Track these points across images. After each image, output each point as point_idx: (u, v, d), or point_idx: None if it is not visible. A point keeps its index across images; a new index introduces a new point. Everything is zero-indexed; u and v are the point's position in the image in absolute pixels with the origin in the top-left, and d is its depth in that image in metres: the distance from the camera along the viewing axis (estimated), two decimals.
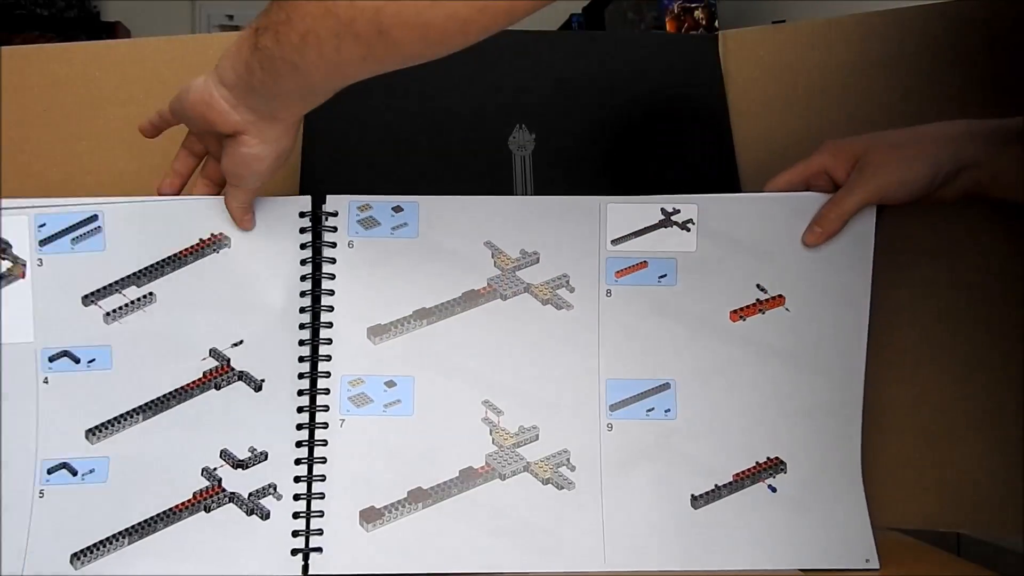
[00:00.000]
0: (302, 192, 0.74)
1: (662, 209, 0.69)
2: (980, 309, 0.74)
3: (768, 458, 0.68)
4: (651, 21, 2.37)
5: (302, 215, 0.68)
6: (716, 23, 2.26)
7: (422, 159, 0.77)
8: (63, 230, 0.66)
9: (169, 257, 0.67)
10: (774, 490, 0.67)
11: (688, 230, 0.69)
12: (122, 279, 0.66)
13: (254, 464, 0.65)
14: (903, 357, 0.75)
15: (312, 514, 0.65)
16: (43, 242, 0.66)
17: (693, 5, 2.29)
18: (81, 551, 0.64)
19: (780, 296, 0.69)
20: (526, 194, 0.76)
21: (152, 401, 0.66)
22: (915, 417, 0.75)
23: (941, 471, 0.75)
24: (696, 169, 0.78)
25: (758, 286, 0.69)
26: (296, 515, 0.65)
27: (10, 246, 0.66)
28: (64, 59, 0.76)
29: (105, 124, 0.75)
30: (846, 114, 0.76)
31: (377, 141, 0.77)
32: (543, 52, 0.82)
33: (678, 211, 0.69)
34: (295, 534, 0.65)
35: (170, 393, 0.66)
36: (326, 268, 0.67)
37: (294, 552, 0.64)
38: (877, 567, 0.66)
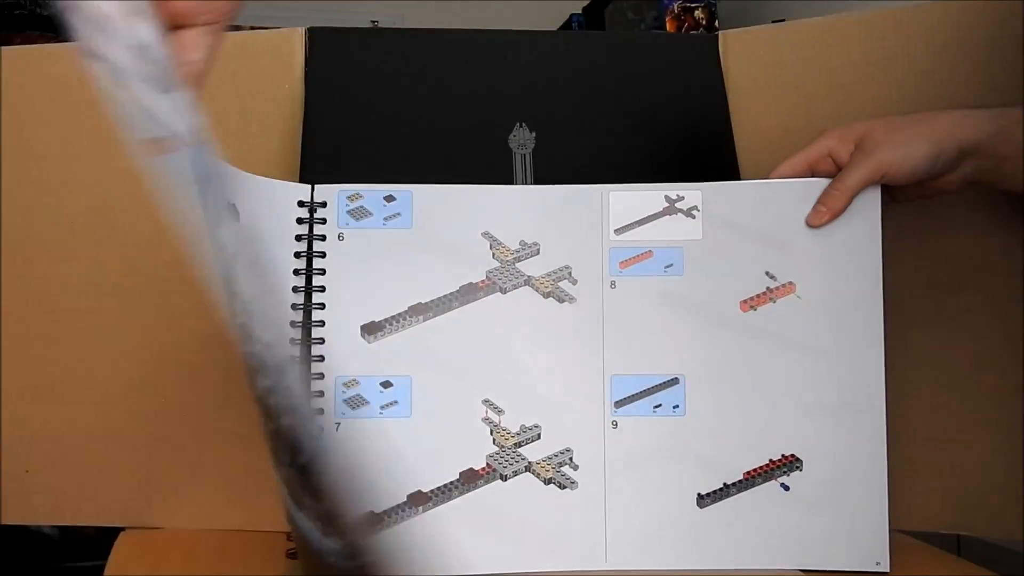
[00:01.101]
0: None
1: (666, 196, 0.68)
2: (981, 310, 0.74)
3: (783, 455, 0.67)
4: (651, 21, 2.37)
5: (301, 204, 0.67)
6: (716, 23, 2.26)
7: (422, 157, 0.77)
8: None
9: None
10: (787, 488, 0.66)
11: (693, 217, 0.68)
12: None
13: None
14: (903, 359, 0.75)
15: None
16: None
17: (693, 5, 2.29)
18: None
19: (790, 283, 0.67)
20: None
21: None
22: (915, 419, 0.75)
23: (942, 473, 0.75)
24: (697, 168, 0.78)
25: (767, 273, 0.67)
26: None
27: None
28: (64, 59, 0.76)
29: (105, 123, 0.75)
30: (846, 114, 0.75)
31: (377, 139, 0.77)
32: (543, 52, 0.82)
33: (682, 198, 0.68)
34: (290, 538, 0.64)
35: None
36: (316, 262, 0.66)
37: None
38: (887, 570, 0.66)
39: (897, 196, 0.68)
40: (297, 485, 0.46)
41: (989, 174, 0.65)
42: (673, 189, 0.68)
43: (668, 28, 2.28)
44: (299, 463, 0.44)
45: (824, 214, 0.66)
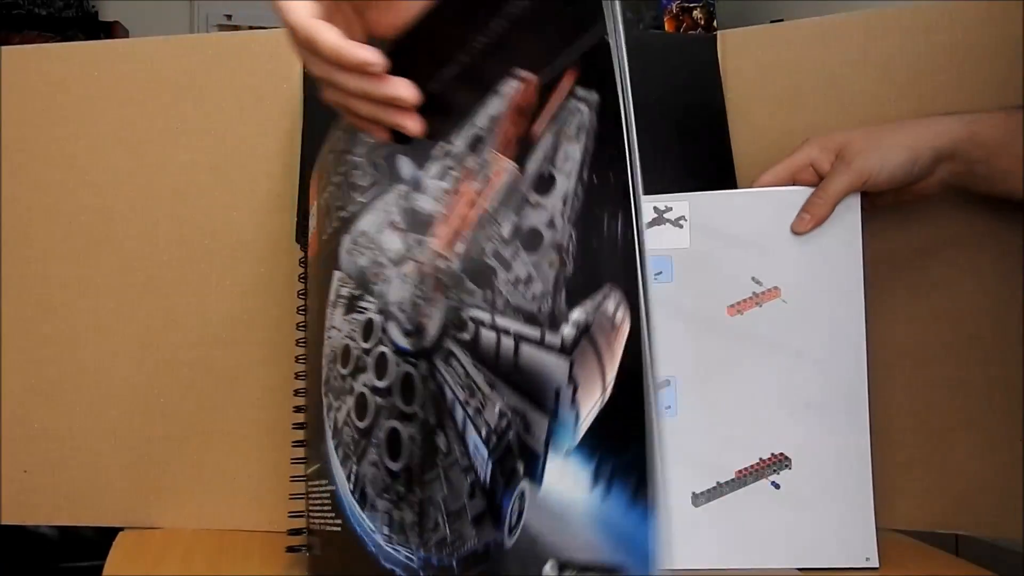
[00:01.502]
0: (301, 186, 0.73)
1: (654, 207, 0.69)
2: (978, 309, 0.74)
3: (772, 454, 0.67)
4: (650, 21, 2.37)
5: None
6: (714, 23, 2.26)
7: None
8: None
9: None
10: (778, 487, 0.67)
11: (681, 227, 0.69)
12: None
13: None
14: (901, 358, 0.75)
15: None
16: None
17: (692, 5, 2.29)
18: None
19: (775, 288, 0.68)
20: None
21: None
22: (914, 418, 0.75)
23: (940, 472, 0.75)
24: (694, 168, 0.78)
25: (753, 279, 0.69)
26: None
27: None
28: (63, 59, 0.76)
29: (104, 124, 0.75)
30: (845, 114, 0.76)
31: None
32: None
33: (670, 208, 0.69)
34: None
35: None
36: None
37: None
38: (877, 566, 0.66)
39: (877, 202, 0.69)
40: (390, 484, 0.49)
41: (963, 178, 0.67)
42: (660, 200, 0.69)
43: (666, 28, 2.28)
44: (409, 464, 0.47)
45: (808, 221, 0.67)
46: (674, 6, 2.28)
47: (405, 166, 0.54)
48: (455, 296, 0.49)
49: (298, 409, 0.66)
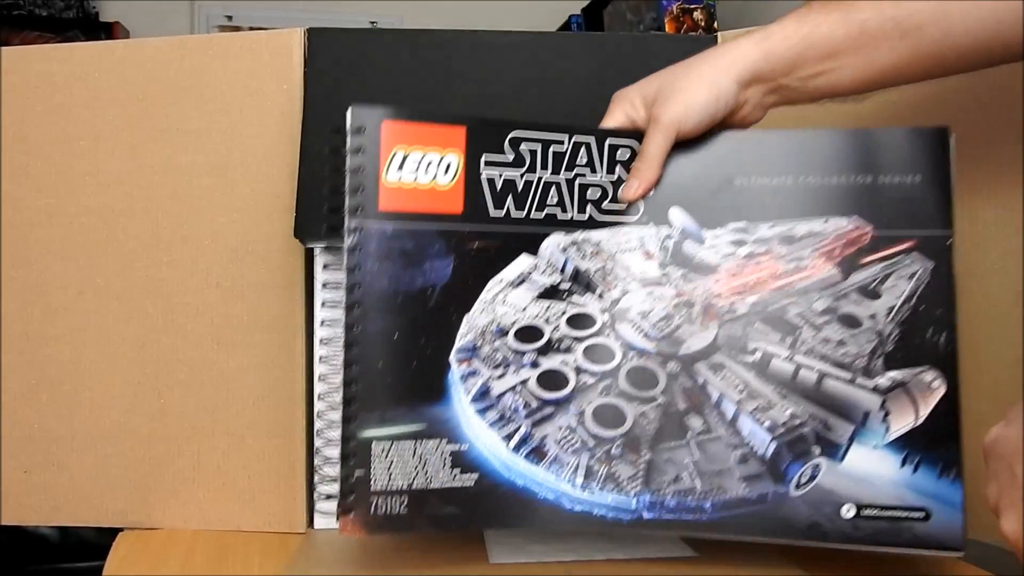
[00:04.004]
0: (299, 190, 0.73)
1: None
2: (979, 309, 0.74)
3: None
4: (650, 22, 2.37)
5: None
6: (715, 24, 2.27)
7: None
8: None
9: None
10: None
11: None
12: None
13: None
14: None
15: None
16: None
17: (692, 6, 2.29)
18: None
19: None
20: None
21: None
22: None
23: None
24: None
25: None
26: None
27: None
28: (63, 59, 0.76)
29: (105, 124, 0.75)
30: (843, 113, 0.76)
31: None
32: (542, 53, 0.82)
33: None
34: None
35: None
36: None
37: None
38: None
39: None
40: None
41: (779, 94, 0.66)
42: None
43: (667, 29, 2.28)
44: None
45: (638, 187, 0.65)
46: (674, 7, 2.28)
47: (679, 217, 0.65)
48: (738, 329, 0.63)
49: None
